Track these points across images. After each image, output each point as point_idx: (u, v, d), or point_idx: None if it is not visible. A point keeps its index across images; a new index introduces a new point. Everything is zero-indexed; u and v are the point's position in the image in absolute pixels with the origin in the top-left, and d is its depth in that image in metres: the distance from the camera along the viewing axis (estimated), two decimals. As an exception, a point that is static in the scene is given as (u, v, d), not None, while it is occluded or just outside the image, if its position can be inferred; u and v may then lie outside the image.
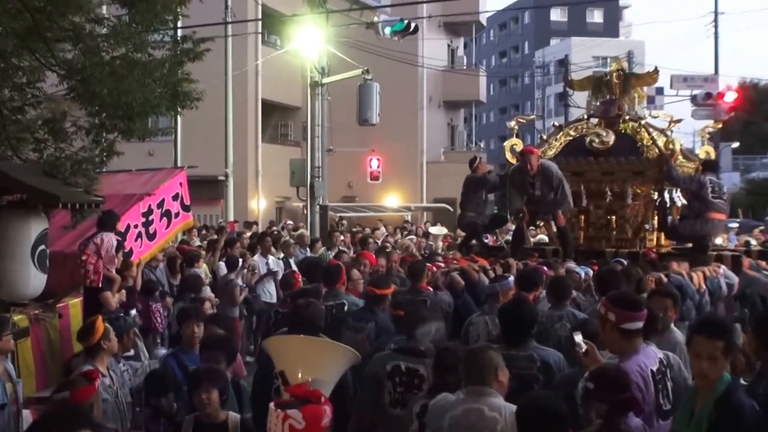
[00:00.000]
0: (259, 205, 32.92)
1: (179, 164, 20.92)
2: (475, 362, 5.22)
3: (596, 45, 68.61)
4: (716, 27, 44.08)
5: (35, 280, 9.23)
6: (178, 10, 9.98)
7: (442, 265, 10.80)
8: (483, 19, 47.21)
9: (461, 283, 9.93)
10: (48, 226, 9.27)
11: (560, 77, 55.62)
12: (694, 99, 32.66)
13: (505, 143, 14.20)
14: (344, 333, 7.78)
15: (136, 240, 12.81)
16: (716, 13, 44.57)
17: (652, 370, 5.33)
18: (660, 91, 38.71)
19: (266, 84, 32.74)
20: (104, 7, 11.30)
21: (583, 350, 5.50)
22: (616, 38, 78.83)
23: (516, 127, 14.21)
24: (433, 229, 21.31)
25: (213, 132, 25.44)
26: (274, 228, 22.26)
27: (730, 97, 32.29)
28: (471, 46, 51.47)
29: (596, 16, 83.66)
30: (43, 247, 9.14)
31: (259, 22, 28.18)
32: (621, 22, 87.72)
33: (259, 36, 30.42)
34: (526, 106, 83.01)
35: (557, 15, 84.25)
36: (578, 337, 5.60)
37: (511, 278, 8.58)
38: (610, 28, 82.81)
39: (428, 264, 10.38)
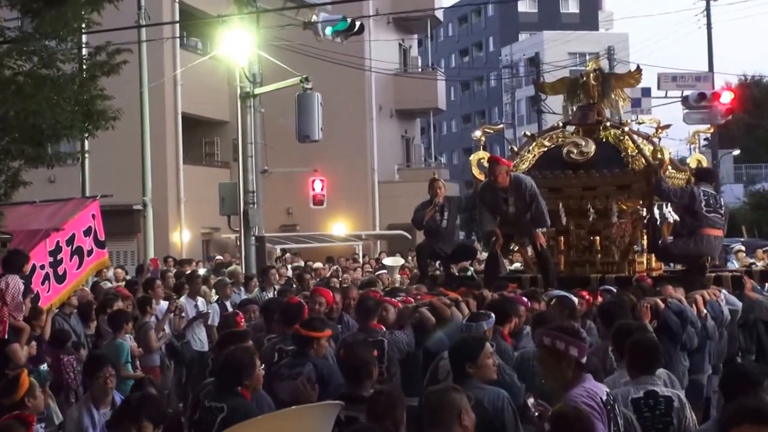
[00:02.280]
0: (182, 238, 32.96)
1: (88, 193, 21.06)
2: (435, 405, 5.62)
3: (572, 40, 69.34)
4: (708, 16, 45.02)
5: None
6: (90, 16, 10.25)
7: (411, 300, 11.03)
8: (439, 12, 47.60)
9: (432, 320, 10.19)
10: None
11: (531, 78, 56.30)
12: (685, 101, 33.19)
13: (471, 157, 14.46)
14: (279, 385, 8.10)
15: (42, 283, 12.97)
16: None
17: (601, 398, 5.88)
18: (646, 92, 39.44)
19: (187, 95, 32.87)
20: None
21: (537, 414, 5.99)
22: (595, 31, 79.67)
23: (483, 139, 14.50)
24: (387, 261, 21.63)
25: (125, 153, 25.43)
26: (194, 269, 22.27)
27: (727, 97, 32.80)
28: (426, 44, 51.96)
29: (571, 6, 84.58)
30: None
31: (176, 25, 28.28)
32: (600, 12, 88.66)
33: (177, 40, 30.55)
34: (493, 113, 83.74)
35: (526, 6, 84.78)
36: (530, 400, 6.10)
37: (492, 318, 8.91)
38: (588, 20, 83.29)
39: (390, 299, 10.69)
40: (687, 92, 33.91)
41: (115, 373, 8.36)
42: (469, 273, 15.54)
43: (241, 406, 6.92)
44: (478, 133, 14.77)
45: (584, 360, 6.08)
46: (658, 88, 37.47)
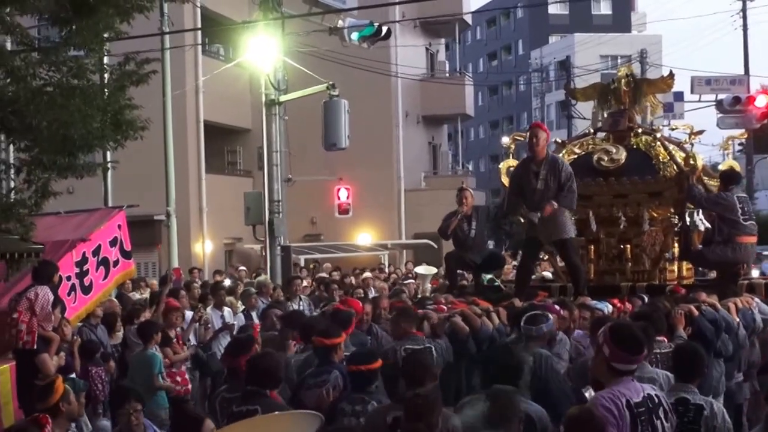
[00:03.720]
0: (205, 249, 33.23)
1: (110, 203, 21.46)
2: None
3: (604, 42, 69.26)
4: (744, 17, 45.02)
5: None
6: (120, 27, 10.66)
7: (445, 309, 11.38)
8: (467, 16, 47.65)
9: (465, 329, 10.55)
10: (-20, 280, 9.89)
11: (562, 82, 56.39)
12: (719, 105, 33.28)
13: (501, 165, 14.67)
14: (305, 394, 8.36)
15: (69, 294, 13.30)
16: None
17: (628, 401, 6.13)
18: (679, 96, 39.32)
19: (209, 103, 33.01)
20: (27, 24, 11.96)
21: None
22: (628, 33, 79.48)
23: (512, 146, 14.73)
24: (420, 269, 21.82)
25: (146, 163, 25.54)
26: (220, 278, 22.56)
27: (762, 101, 32.60)
28: (454, 48, 52.17)
29: (603, 8, 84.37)
30: (-23, 303, 9.74)
31: (198, 32, 28.55)
32: (633, 13, 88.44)
33: (199, 47, 30.81)
34: (522, 119, 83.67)
35: (557, 7, 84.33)
36: (588, 392, 6.40)
37: (551, 319, 9.38)
38: (620, 21, 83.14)
39: (419, 310, 11.01)
40: (721, 96, 33.94)
41: (141, 408, 8.60)
42: (495, 283, 15.66)
43: (275, 406, 7.33)
44: (507, 140, 14.97)
45: (623, 364, 6.28)
46: (692, 91, 37.44)
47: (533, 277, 16.51)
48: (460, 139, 55.29)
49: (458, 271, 15.10)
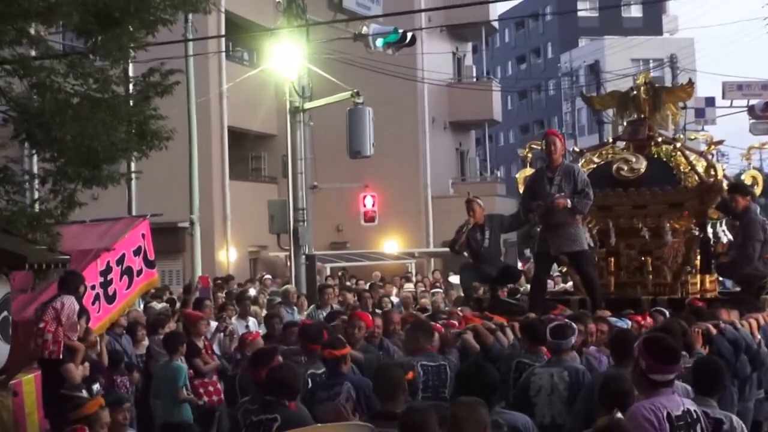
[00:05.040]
0: (229, 257, 33.44)
1: (134, 211, 21.70)
2: (464, 417, 6.17)
3: (635, 45, 69.10)
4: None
5: (-2, 350, 10.04)
6: (145, 39, 10.90)
7: (455, 324, 11.36)
8: (494, 18, 47.68)
9: (476, 347, 10.54)
10: (10, 289, 10.10)
11: (592, 86, 56.35)
12: (751, 110, 33.32)
13: (517, 175, 14.77)
14: (319, 408, 8.36)
15: (93, 303, 13.50)
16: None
17: (668, 413, 6.33)
18: (710, 101, 39.47)
19: (233, 108, 33.33)
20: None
21: None
22: (660, 36, 79.26)
23: (529, 155, 14.73)
24: (454, 278, 21.93)
25: (169, 170, 25.69)
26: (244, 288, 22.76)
27: None
28: (482, 51, 52.22)
29: (633, 11, 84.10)
30: (5, 313, 9.95)
31: (222, 38, 28.78)
32: (664, 16, 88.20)
33: (223, 53, 31.05)
34: (553, 123, 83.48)
35: (586, 9, 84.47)
36: (618, 415, 6.59)
37: (576, 333, 9.44)
38: (651, 24, 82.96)
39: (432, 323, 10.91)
40: (753, 101, 33.95)
41: None
42: (518, 295, 15.66)
43: (295, 415, 7.60)
44: (524, 150, 14.98)
45: (664, 380, 6.49)
46: (723, 97, 37.54)
47: (557, 288, 16.59)
48: (488, 145, 55.29)
49: (474, 283, 15.08)
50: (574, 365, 9.11)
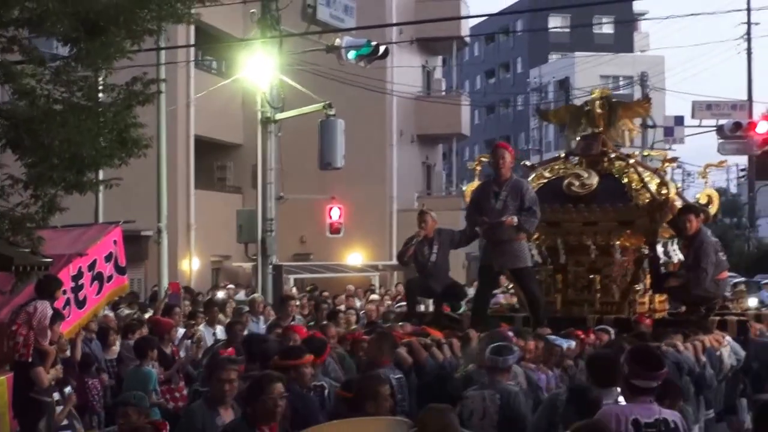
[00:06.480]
0: (192, 266, 33.61)
1: (101, 218, 22.01)
2: (439, 424, 6.56)
3: (605, 62, 69.72)
4: (749, 41, 45.65)
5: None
6: (130, 49, 11.36)
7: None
8: (465, 32, 48.03)
9: (409, 360, 10.62)
10: (-6, 291, 10.50)
11: (561, 103, 56.81)
12: (720, 130, 33.75)
13: (465, 188, 14.98)
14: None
15: (63, 308, 13.82)
16: (749, 23, 46.09)
17: (636, 419, 6.80)
18: (679, 120, 39.90)
19: (199, 117, 33.42)
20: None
21: None
22: (630, 54, 79.87)
23: (478, 168, 14.61)
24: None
25: (134, 178, 25.87)
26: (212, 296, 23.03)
27: (764, 127, 32.96)
28: (451, 65, 52.60)
29: (605, 27, 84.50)
30: (-12, 314, 10.34)
31: (192, 47, 28.97)
32: (636, 33, 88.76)
33: (192, 62, 31.27)
34: (520, 139, 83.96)
35: (557, 24, 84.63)
36: None
37: (517, 352, 9.56)
38: (623, 41, 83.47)
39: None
40: (722, 121, 34.44)
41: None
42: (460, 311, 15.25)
43: None
44: (473, 163, 14.92)
45: (641, 380, 6.92)
46: (693, 116, 38.01)
47: (504, 304, 16.48)
48: (455, 159, 55.71)
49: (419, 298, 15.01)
50: (507, 387, 9.10)
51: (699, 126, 37.85)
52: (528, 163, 15.82)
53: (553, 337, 11.33)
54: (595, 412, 7.17)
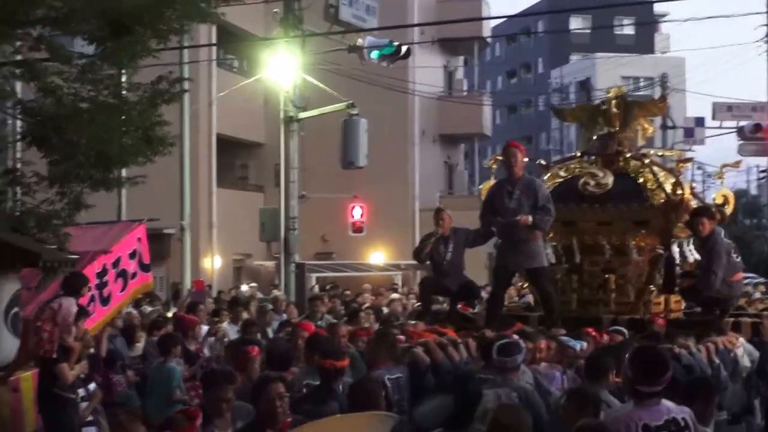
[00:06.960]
0: (214, 264, 33.76)
1: (123, 216, 22.13)
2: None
3: (626, 63, 69.48)
4: (770, 43, 45.40)
5: (7, 345, 10.51)
6: (156, 48, 11.45)
7: (402, 338, 11.05)
8: (487, 32, 48.23)
9: (426, 361, 10.39)
10: (21, 286, 10.56)
11: (583, 103, 56.60)
12: (740, 131, 33.60)
13: (482, 186, 14.78)
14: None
15: (88, 305, 13.94)
16: (769, 25, 45.85)
17: (646, 424, 6.85)
18: (700, 122, 39.74)
19: (222, 116, 33.61)
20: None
21: None
22: (651, 55, 79.57)
23: (494, 167, 14.41)
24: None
25: (156, 177, 25.93)
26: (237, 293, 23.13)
27: None
28: (472, 65, 52.62)
29: (626, 28, 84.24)
30: (17, 309, 10.41)
31: (214, 46, 29.07)
32: (657, 34, 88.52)
33: (215, 61, 31.37)
34: (541, 139, 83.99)
35: (578, 25, 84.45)
36: None
37: (524, 349, 9.52)
38: (643, 42, 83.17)
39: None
40: (743, 123, 34.26)
41: None
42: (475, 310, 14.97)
43: None
44: (489, 162, 14.80)
45: (645, 386, 6.95)
46: (713, 117, 37.79)
47: (519, 303, 16.34)
48: (476, 159, 55.73)
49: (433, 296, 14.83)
50: (521, 385, 9.10)
51: (719, 128, 37.65)
52: (543, 162, 15.61)
53: (565, 338, 11.26)
54: (595, 408, 7.28)
